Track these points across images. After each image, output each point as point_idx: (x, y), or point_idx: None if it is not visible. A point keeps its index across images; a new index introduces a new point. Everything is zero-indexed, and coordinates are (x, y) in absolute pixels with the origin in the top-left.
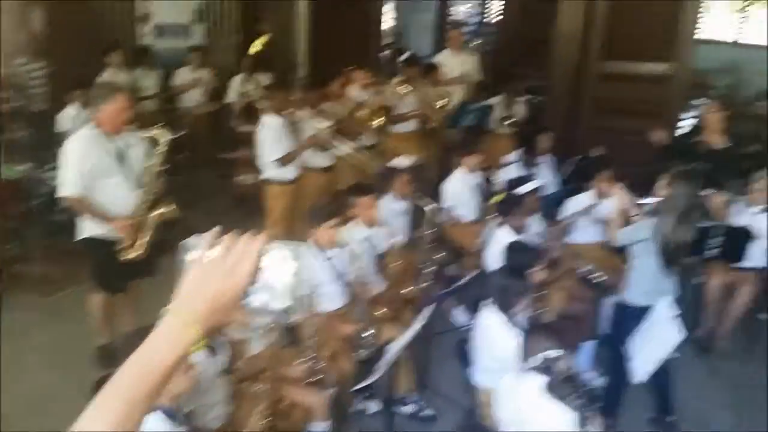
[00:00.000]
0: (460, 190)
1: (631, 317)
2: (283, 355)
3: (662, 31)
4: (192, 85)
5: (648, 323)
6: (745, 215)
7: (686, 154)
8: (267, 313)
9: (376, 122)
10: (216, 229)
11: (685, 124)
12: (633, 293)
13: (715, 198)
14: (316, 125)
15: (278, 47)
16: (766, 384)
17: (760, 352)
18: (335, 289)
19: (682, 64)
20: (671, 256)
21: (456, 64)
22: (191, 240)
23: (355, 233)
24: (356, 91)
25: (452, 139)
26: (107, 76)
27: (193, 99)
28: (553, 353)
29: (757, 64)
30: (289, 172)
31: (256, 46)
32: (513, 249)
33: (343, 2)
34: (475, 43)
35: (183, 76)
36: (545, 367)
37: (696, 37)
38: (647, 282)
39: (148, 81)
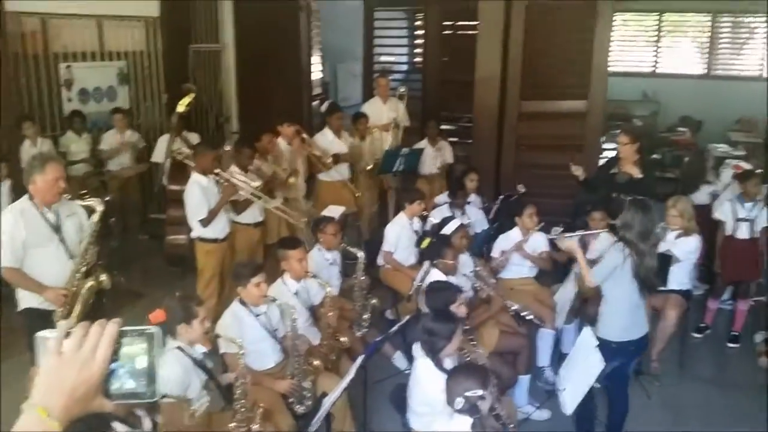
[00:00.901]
0: (399, 235)
1: (611, 355)
2: (220, 418)
3: (576, 69)
4: (119, 148)
5: (572, 354)
6: (666, 241)
7: (606, 186)
8: (134, 398)
9: (292, 179)
10: (69, 320)
11: (607, 155)
12: (610, 330)
13: None
14: (245, 183)
15: (207, 105)
16: (700, 402)
17: (693, 372)
18: (267, 347)
19: (597, 99)
20: (645, 283)
21: (384, 110)
22: (45, 332)
23: (285, 287)
24: (282, 144)
25: (390, 185)
26: (26, 146)
27: (120, 162)
28: (472, 393)
29: (674, 92)
30: (218, 230)
31: (182, 105)
32: (432, 289)
33: (271, 56)
34: (402, 89)
35: (109, 139)
36: (469, 408)
37: (613, 70)
38: (623, 317)
39: (76, 146)
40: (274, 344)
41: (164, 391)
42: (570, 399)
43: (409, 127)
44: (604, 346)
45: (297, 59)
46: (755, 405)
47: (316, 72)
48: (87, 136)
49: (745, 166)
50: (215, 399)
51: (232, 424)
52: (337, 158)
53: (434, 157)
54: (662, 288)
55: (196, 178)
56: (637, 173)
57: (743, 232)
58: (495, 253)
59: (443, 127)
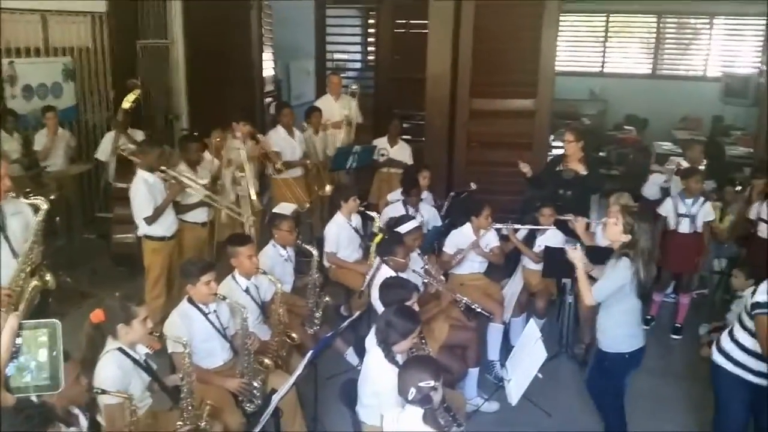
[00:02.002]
0: (338, 234)
1: (626, 366)
2: (167, 417)
3: (525, 68)
4: (49, 149)
5: (518, 346)
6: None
7: (552, 182)
8: (37, 390)
9: (240, 175)
10: None
11: (556, 153)
12: (621, 343)
13: (579, 222)
14: (192, 180)
15: (156, 102)
16: (645, 392)
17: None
18: (216, 345)
19: (545, 98)
20: (644, 294)
21: (336, 108)
22: None
23: (235, 284)
24: (234, 142)
25: (342, 182)
26: None
27: (54, 161)
28: (424, 384)
29: (621, 92)
30: (166, 228)
31: (127, 101)
32: (386, 285)
33: (221, 52)
34: (354, 86)
35: (42, 138)
36: (421, 399)
37: (563, 69)
38: (630, 327)
39: (9, 145)
40: (224, 343)
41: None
42: (515, 390)
43: (362, 124)
44: (617, 360)
45: (248, 56)
46: (699, 395)
47: (268, 69)
48: (18, 135)
49: (685, 163)
50: (161, 399)
51: (179, 423)
52: (289, 165)
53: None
54: None
55: (141, 175)
56: (582, 170)
57: (684, 227)
58: (448, 248)
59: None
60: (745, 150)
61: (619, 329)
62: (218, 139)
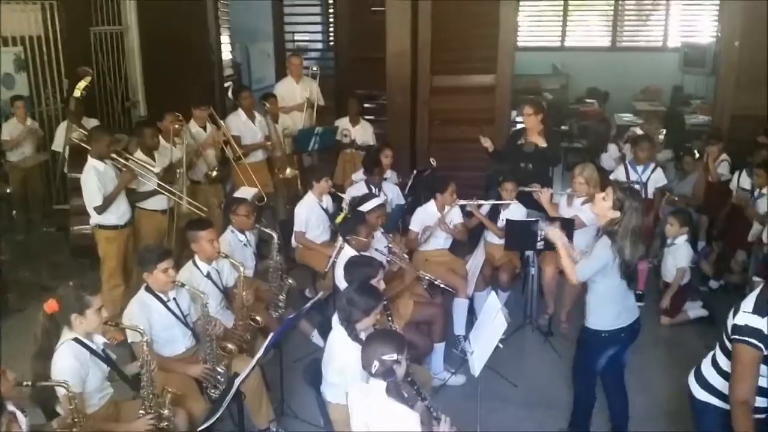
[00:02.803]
0: (308, 214)
1: (603, 345)
2: (130, 406)
3: (484, 44)
4: (21, 138)
5: (480, 318)
6: (573, 207)
7: (513, 156)
8: None
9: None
10: None
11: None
12: (602, 320)
13: (543, 193)
14: (146, 166)
15: (112, 89)
16: None
17: None
18: (177, 333)
19: (505, 73)
20: (630, 274)
21: (297, 90)
22: None
23: (196, 270)
24: (194, 127)
25: (307, 165)
26: None
27: (22, 152)
28: (387, 357)
29: (583, 65)
30: (119, 216)
31: (78, 89)
32: (351, 264)
33: (177, 37)
34: (314, 68)
35: (10, 128)
36: (384, 372)
37: (524, 45)
38: (614, 305)
39: None
40: (185, 330)
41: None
42: (478, 361)
43: (324, 106)
44: (595, 336)
45: (205, 40)
46: (660, 362)
47: (226, 52)
48: None
49: (638, 131)
50: (125, 389)
51: (141, 411)
52: (249, 148)
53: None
54: None
55: (91, 163)
56: (542, 143)
57: None
58: (414, 226)
59: (366, 105)
60: (705, 118)
61: (604, 306)
62: (175, 125)
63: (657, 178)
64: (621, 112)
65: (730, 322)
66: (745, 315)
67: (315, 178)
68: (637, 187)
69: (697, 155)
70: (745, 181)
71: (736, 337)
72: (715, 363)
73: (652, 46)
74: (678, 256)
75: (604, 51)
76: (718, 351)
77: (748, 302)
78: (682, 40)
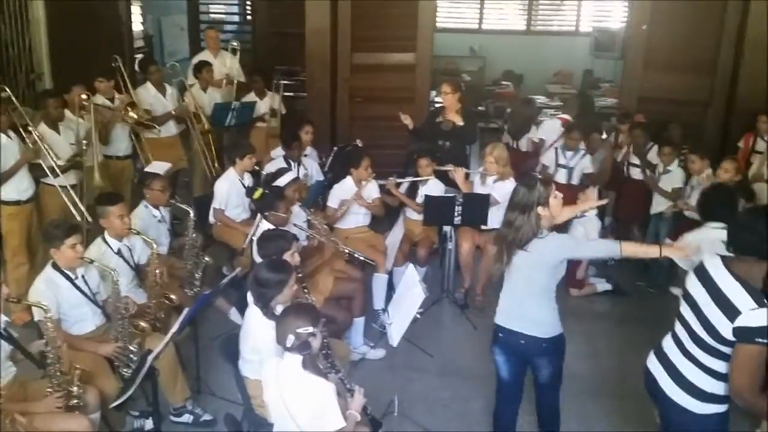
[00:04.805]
0: (229, 191)
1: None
2: (38, 386)
3: (404, 22)
4: None
5: (398, 290)
6: (486, 186)
7: (432, 134)
8: None
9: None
10: None
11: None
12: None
13: (458, 171)
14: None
15: (16, 61)
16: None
17: None
18: (87, 311)
19: (425, 52)
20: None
21: (216, 65)
22: None
23: (106, 246)
24: (100, 98)
25: (225, 141)
26: None
27: None
28: (302, 330)
29: (499, 48)
30: (21, 191)
31: None
32: (264, 238)
33: (84, 7)
34: (234, 43)
35: None
36: (299, 345)
37: (443, 26)
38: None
39: None
40: (95, 308)
41: None
42: (396, 332)
43: (243, 82)
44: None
45: (115, 11)
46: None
47: (137, 24)
48: None
49: (568, 117)
50: (28, 368)
51: (48, 389)
52: (156, 120)
53: None
54: (484, 227)
55: None
56: (459, 121)
57: (561, 177)
58: (331, 202)
59: (285, 82)
60: (613, 101)
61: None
62: (83, 97)
63: (584, 165)
64: (534, 94)
65: (723, 327)
66: (751, 314)
67: (239, 155)
68: (563, 171)
69: (605, 135)
70: (654, 159)
71: (758, 339)
72: (709, 371)
73: (566, 31)
74: (589, 228)
75: (520, 34)
76: (707, 357)
77: (743, 299)
78: (593, 25)
